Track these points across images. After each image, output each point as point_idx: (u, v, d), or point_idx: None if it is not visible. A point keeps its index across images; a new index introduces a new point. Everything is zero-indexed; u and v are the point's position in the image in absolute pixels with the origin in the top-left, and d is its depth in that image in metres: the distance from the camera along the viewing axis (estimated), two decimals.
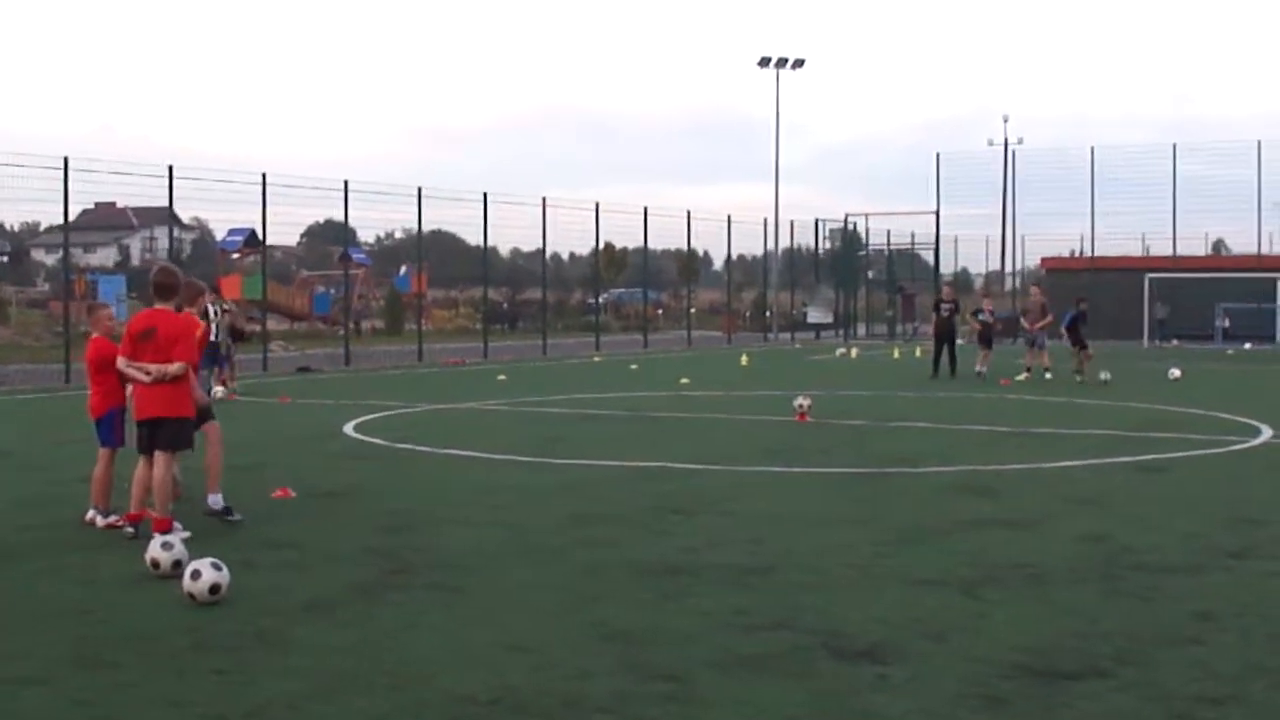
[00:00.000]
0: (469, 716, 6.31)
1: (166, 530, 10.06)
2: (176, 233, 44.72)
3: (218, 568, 8.50)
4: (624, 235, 59.24)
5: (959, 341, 32.41)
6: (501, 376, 32.09)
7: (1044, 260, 66.88)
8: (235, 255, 56.54)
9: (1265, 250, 64.34)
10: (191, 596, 8.39)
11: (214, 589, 8.41)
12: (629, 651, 7.40)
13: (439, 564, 9.81)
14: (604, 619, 8.13)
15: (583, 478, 14.43)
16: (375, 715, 6.30)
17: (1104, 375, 29.42)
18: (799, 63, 66.41)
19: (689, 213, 53.91)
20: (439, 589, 8.98)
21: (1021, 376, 30.52)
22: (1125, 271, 59.92)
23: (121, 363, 10.65)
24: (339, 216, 39.83)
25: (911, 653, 7.40)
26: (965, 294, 57.14)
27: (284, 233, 65.44)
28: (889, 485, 14.00)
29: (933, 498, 13.07)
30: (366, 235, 66.56)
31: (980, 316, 33.06)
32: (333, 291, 60.14)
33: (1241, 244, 67.37)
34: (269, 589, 8.93)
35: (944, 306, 32.54)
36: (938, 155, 69.45)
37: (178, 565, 9.02)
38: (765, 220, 64.39)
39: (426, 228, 44.27)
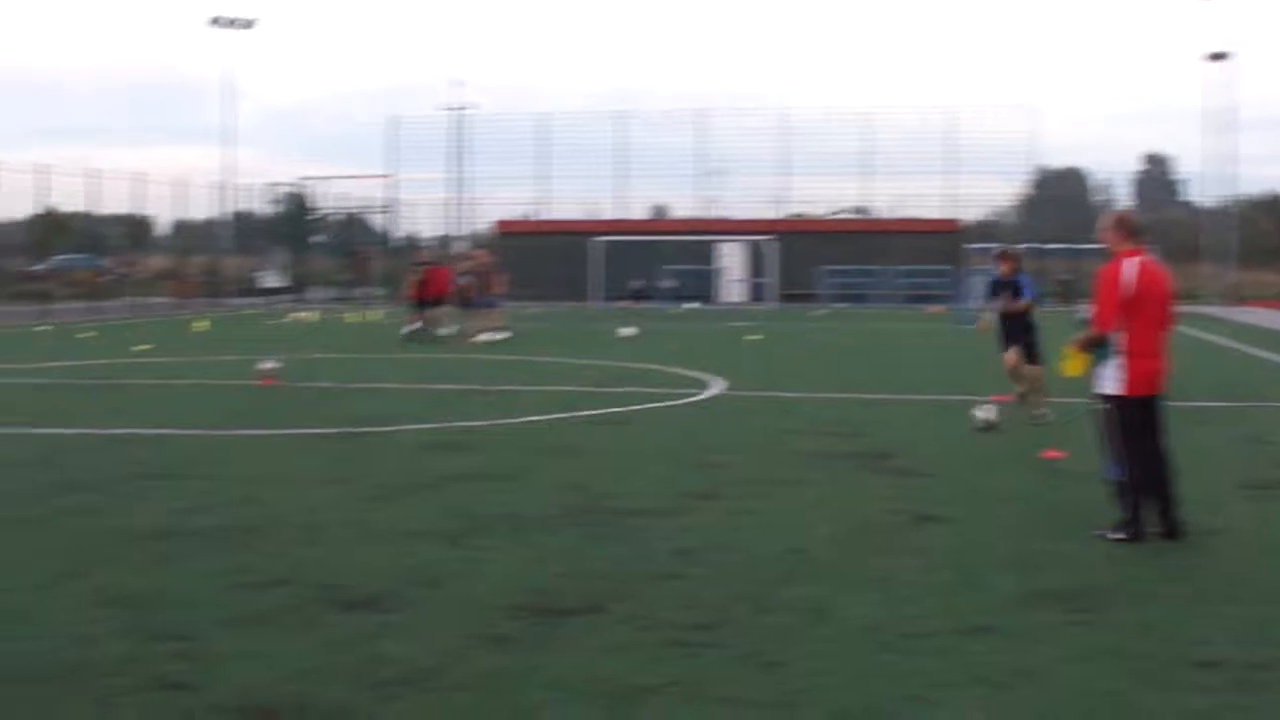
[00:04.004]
0: None
1: None
2: None
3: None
4: (61, 199, 56.41)
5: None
6: None
7: (500, 224, 68.34)
8: None
9: (703, 214, 68.31)
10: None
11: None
12: (133, 615, 7.28)
13: None
14: (102, 585, 7.94)
15: (54, 447, 13.78)
16: None
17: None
18: (249, 23, 64.98)
19: (134, 176, 52.22)
20: None
21: (484, 337, 31.26)
22: (573, 235, 62.20)
23: None
24: None
25: (411, 600, 7.61)
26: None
27: None
28: (365, 444, 14.14)
29: (410, 454, 13.32)
30: None
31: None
32: None
33: (681, 208, 71.29)
34: None
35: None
36: (392, 119, 69.98)
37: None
38: (219, 184, 63.12)
39: None
